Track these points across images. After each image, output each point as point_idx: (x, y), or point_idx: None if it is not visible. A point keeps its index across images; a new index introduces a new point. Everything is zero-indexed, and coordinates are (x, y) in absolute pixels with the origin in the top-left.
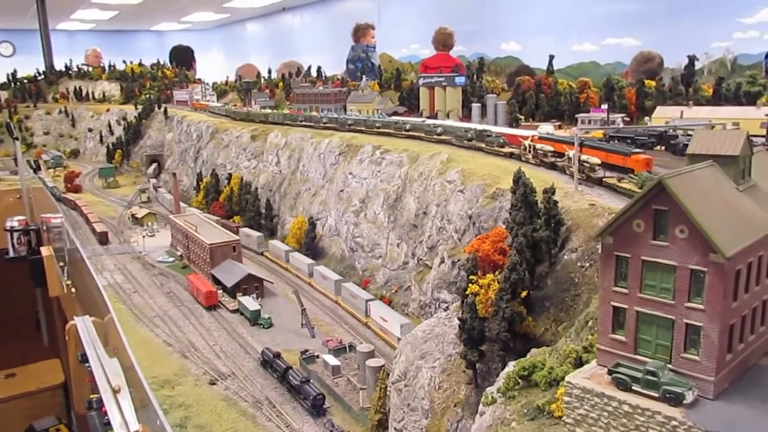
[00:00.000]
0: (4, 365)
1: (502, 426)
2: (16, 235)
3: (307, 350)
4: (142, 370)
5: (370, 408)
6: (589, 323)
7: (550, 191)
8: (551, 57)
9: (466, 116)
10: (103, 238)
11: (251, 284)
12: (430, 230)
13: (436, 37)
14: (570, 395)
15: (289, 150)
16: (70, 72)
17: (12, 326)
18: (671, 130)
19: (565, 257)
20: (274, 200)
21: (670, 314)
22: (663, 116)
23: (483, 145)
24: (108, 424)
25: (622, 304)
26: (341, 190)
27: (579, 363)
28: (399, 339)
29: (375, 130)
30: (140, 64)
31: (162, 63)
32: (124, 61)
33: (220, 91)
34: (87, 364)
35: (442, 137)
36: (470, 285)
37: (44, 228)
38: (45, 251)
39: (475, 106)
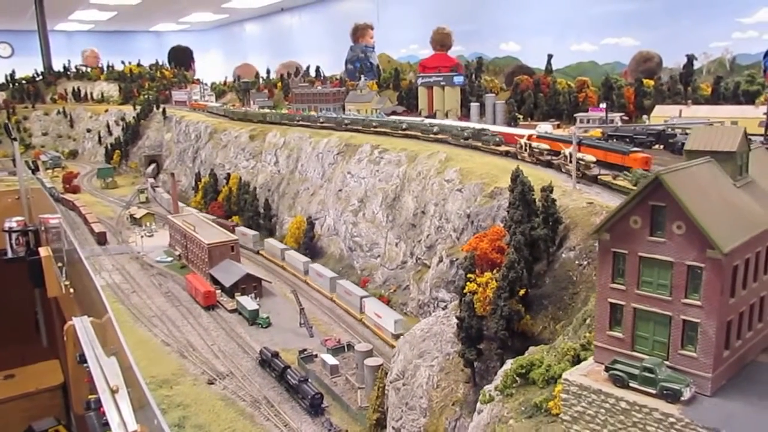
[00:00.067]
0: (3, 366)
1: (500, 424)
2: (14, 235)
3: (305, 349)
4: (140, 370)
5: (368, 407)
6: (587, 321)
7: (548, 189)
8: (550, 56)
9: (465, 116)
10: (101, 239)
11: (249, 284)
12: (428, 229)
13: (434, 37)
14: (567, 392)
15: (288, 150)
16: (69, 73)
17: (11, 327)
18: (670, 129)
19: (564, 255)
20: (273, 200)
21: (668, 311)
22: (661, 115)
23: (479, 144)
24: (106, 424)
25: (619, 300)
26: (340, 190)
27: (577, 360)
28: (393, 335)
29: (372, 129)
30: (139, 65)
31: (160, 63)
32: (123, 62)
33: (219, 91)
34: (85, 365)
35: (439, 136)
36: (468, 283)
37: (42, 228)
38: (43, 252)
39: (474, 106)
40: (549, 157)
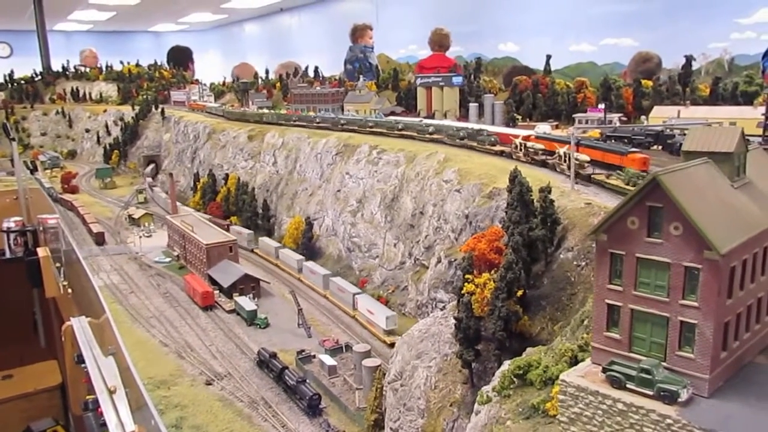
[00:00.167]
0: (1, 367)
1: (497, 425)
2: (12, 236)
3: (303, 350)
4: (138, 371)
5: (366, 408)
6: (585, 322)
7: (546, 190)
8: (548, 57)
9: (464, 116)
10: (99, 239)
11: (248, 284)
12: (426, 230)
13: (432, 38)
14: (564, 393)
15: (286, 150)
16: (68, 73)
17: (9, 327)
18: (668, 130)
19: (562, 256)
20: (271, 200)
21: (665, 312)
22: (660, 116)
23: (475, 144)
24: (104, 424)
25: (617, 301)
26: (338, 190)
27: (574, 362)
28: (385, 330)
29: (368, 129)
30: (137, 65)
31: (159, 64)
32: (122, 62)
33: (218, 91)
34: (83, 365)
35: (434, 136)
36: (466, 284)
37: (41, 229)
38: (42, 252)
39: (473, 106)
40: (544, 157)
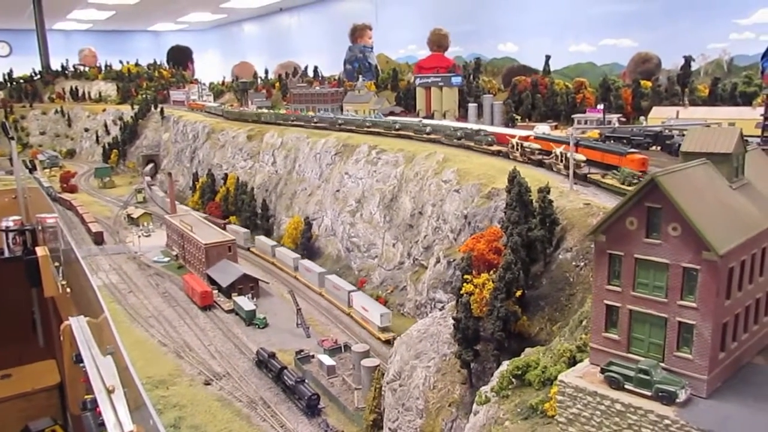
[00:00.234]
0: (0, 366)
1: (496, 425)
2: (11, 235)
3: (302, 350)
4: (136, 371)
5: (364, 408)
6: (584, 322)
7: (545, 190)
8: (548, 57)
9: (463, 116)
10: (98, 238)
11: (246, 284)
12: (425, 230)
13: (431, 38)
14: (563, 394)
15: (285, 150)
16: (67, 72)
17: (7, 327)
18: (667, 131)
19: (560, 257)
20: (270, 200)
21: (663, 312)
22: (659, 116)
23: (472, 144)
24: (102, 424)
25: (615, 302)
26: (337, 190)
27: (573, 362)
28: (379, 327)
29: (366, 129)
30: (137, 65)
31: (159, 63)
32: (121, 62)
33: (217, 91)
34: (82, 365)
35: (432, 136)
36: (465, 284)
37: (39, 228)
38: (40, 251)
39: (472, 107)
40: (540, 157)
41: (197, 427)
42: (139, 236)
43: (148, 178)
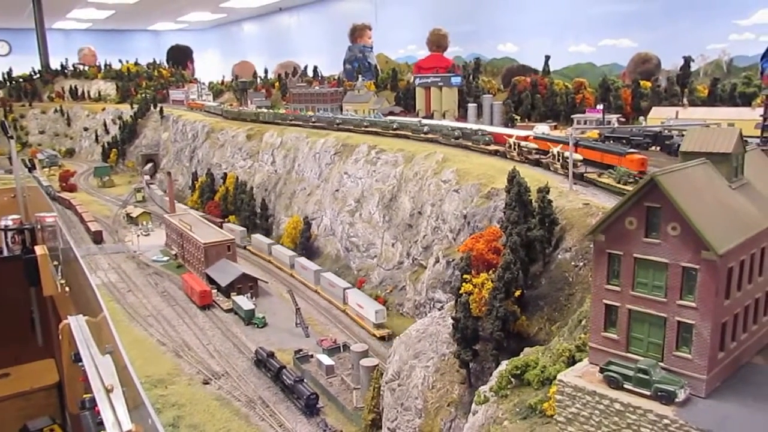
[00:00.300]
0: None
1: (495, 425)
2: (10, 234)
3: (301, 350)
4: (135, 370)
5: (363, 407)
6: (583, 322)
7: (544, 190)
8: (547, 57)
9: (462, 116)
10: (97, 237)
11: (245, 284)
12: (425, 230)
13: (430, 38)
14: (562, 394)
15: (285, 150)
16: (66, 71)
17: (6, 326)
18: (666, 131)
19: (559, 256)
20: (270, 200)
21: (662, 312)
22: (658, 117)
23: (470, 144)
24: (101, 423)
25: (614, 302)
26: (336, 190)
27: (572, 362)
28: (374, 324)
29: (364, 128)
30: (136, 64)
31: (158, 62)
32: (120, 61)
33: (217, 90)
34: (80, 364)
35: (429, 135)
36: (464, 284)
37: (39, 227)
38: (39, 250)
39: (471, 107)
40: (537, 156)
41: (196, 426)
42: (138, 235)
43: (147, 177)
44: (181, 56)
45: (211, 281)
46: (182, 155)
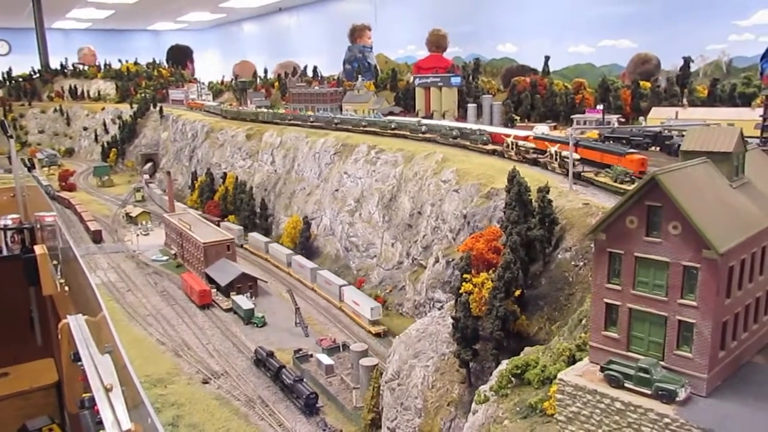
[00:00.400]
0: None
1: (495, 424)
2: (9, 233)
3: (300, 349)
4: (134, 369)
5: (363, 407)
6: (583, 321)
7: (544, 190)
8: (547, 58)
9: (462, 117)
10: (96, 237)
11: (245, 283)
12: (424, 230)
13: (429, 39)
14: (562, 393)
15: (284, 149)
16: (66, 71)
17: (5, 325)
18: (666, 131)
19: (559, 256)
20: (269, 200)
21: (663, 311)
22: (658, 117)
23: (468, 143)
24: (100, 423)
25: (615, 301)
26: (336, 190)
27: (572, 361)
28: (370, 321)
29: (362, 128)
30: (136, 63)
31: (158, 62)
32: (120, 60)
33: (216, 90)
34: (80, 363)
35: (427, 135)
36: (464, 284)
37: (38, 226)
38: (39, 250)
39: (471, 107)
40: (535, 155)
41: (195, 426)
42: (138, 235)
43: (146, 177)
44: (180, 56)
45: (210, 281)
46: (182, 155)
